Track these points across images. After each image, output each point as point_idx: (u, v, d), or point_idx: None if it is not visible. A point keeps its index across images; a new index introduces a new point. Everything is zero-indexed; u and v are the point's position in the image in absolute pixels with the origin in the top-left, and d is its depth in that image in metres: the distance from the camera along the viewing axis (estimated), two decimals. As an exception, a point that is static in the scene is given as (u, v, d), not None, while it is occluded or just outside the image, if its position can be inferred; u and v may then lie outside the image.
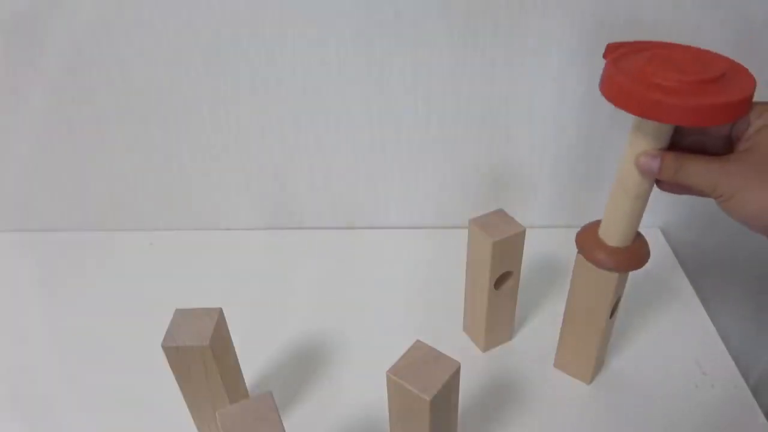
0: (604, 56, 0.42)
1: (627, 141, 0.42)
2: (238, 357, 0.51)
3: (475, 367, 0.58)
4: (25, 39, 0.62)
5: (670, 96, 0.36)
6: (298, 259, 0.75)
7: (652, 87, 0.37)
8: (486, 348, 0.60)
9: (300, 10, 0.61)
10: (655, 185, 0.44)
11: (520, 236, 0.53)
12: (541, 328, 0.62)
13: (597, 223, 0.49)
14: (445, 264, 0.69)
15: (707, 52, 0.40)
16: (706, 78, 0.36)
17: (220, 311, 0.47)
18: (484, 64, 0.64)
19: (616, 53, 0.41)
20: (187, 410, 0.49)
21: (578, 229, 0.51)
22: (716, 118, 0.36)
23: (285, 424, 0.38)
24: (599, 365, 0.57)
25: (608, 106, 0.39)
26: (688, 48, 0.41)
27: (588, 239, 0.49)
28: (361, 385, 0.56)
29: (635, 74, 0.38)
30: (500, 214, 0.55)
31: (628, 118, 0.42)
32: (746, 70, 0.38)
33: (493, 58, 0.63)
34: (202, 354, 0.44)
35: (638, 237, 0.48)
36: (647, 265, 0.48)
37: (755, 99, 0.38)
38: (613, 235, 0.47)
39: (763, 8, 0.59)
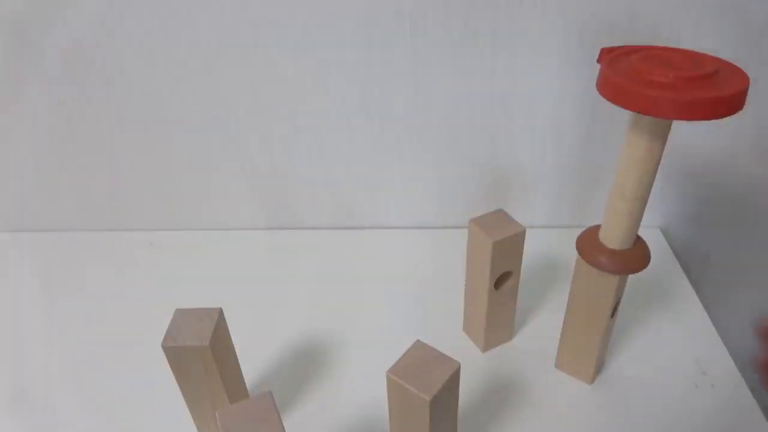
0: (599, 60, 0.42)
1: (626, 140, 0.42)
2: (238, 357, 0.51)
3: (475, 367, 0.58)
4: (25, 39, 0.62)
5: (666, 91, 0.36)
6: (298, 259, 0.75)
7: (648, 83, 0.37)
8: (486, 348, 0.60)
9: (299, 11, 0.61)
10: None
11: (520, 236, 0.53)
12: (541, 328, 0.62)
13: (597, 227, 0.49)
14: (445, 264, 0.69)
15: (698, 53, 0.40)
16: (701, 74, 0.37)
17: (220, 311, 0.47)
18: (484, 63, 0.64)
19: (611, 55, 0.41)
20: (187, 410, 0.49)
21: (578, 229, 0.51)
22: (713, 112, 0.36)
23: (285, 424, 0.38)
24: (599, 365, 0.57)
25: (608, 106, 0.39)
26: (679, 49, 0.41)
27: (588, 243, 0.49)
28: (361, 385, 0.56)
29: (631, 72, 0.38)
30: (500, 214, 0.55)
31: (627, 118, 0.42)
32: (739, 68, 0.39)
33: (493, 58, 0.63)
34: (202, 354, 0.44)
35: (638, 240, 0.48)
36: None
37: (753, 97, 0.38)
38: (613, 238, 0.47)
39: (763, 8, 0.59)
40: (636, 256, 0.47)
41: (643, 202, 0.44)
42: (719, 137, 0.68)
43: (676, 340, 0.61)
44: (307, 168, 0.73)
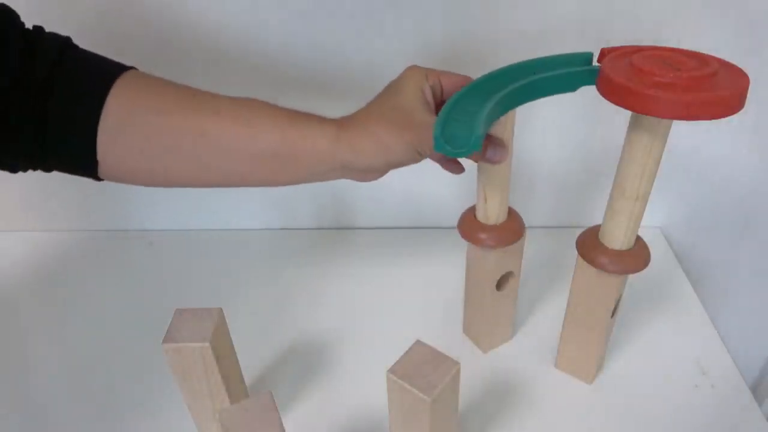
0: (599, 60, 0.42)
1: (626, 140, 0.43)
2: (238, 357, 0.51)
3: (475, 367, 0.58)
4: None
5: (666, 91, 0.36)
6: (298, 259, 0.75)
7: (648, 83, 0.37)
8: (486, 348, 0.60)
9: (301, 12, 0.61)
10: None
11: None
12: (542, 329, 0.62)
13: (597, 227, 0.49)
14: (445, 264, 0.69)
15: (698, 53, 0.40)
16: (702, 74, 0.37)
17: (220, 311, 0.47)
18: (484, 64, 0.64)
19: (611, 56, 0.41)
20: (187, 410, 0.49)
21: (578, 229, 0.51)
22: (713, 112, 0.36)
23: (285, 424, 0.38)
24: (599, 365, 0.57)
25: (608, 106, 0.39)
26: (679, 49, 0.41)
27: (588, 243, 0.49)
28: (361, 385, 0.56)
29: (632, 72, 0.38)
30: (500, 214, 0.55)
31: (627, 118, 0.42)
32: (739, 68, 0.39)
33: (493, 57, 0.63)
34: (202, 354, 0.44)
35: (638, 240, 0.48)
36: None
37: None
38: (613, 239, 0.47)
39: (764, 8, 0.59)
40: (636, 256, 0.47)
41: (643, 202, 0.44)
42: (719, 137, 0.68)
43: (676, 340, 0.61)
44: (307, 168, 0.73)
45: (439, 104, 0.46)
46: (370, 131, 0.43)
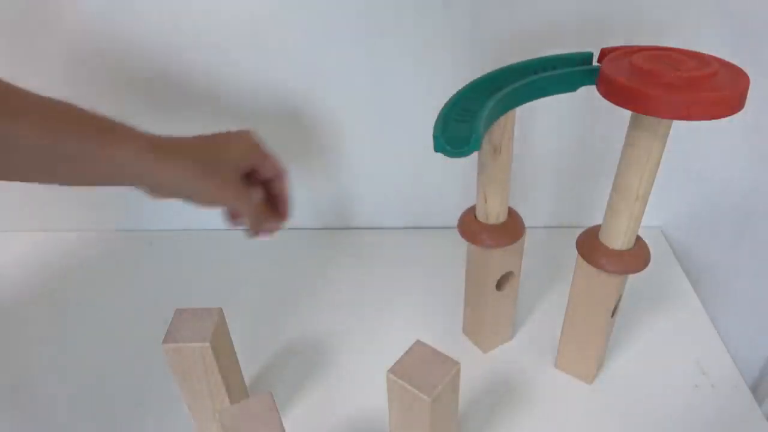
0: (599, 60, 0.42)
1: (626, 140, 0.43)
2: (238, 357, 0.51)
3: (475, 367, 0.58)
4: (25, 39, 0.62)
5: (666, 91, 0.36)
6: (298, 259, 0.75)
7: (649, 84, 0.37)
8: (486, 348, 0.60)
9: (303, 13, 0.61)
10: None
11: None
12: (542, 328, 0.62)
13: (597, 227, 0.49)
14: (445, 264, 0.69)
15: (698, 53, 0.40)
16: (702, 74, 0.37)
17: (220, 311, 0.47)
18: (483, 64, 0.64)
19: (611, 56, 0.41)
20: (187, 410, 0.49)
21: (578, 229, 0.51)
22: (713, 112, 0.36)
23: (285, 424, 0.38)
24: (599, 365, 0.57)
25: (608, 106, 0.39)
26: (680, 50, 0.41)
27: (589, 243, 0.49)
28: (361, 385, 0.56)
29: (632, 72, 0.38)
30: (500, 214, 0.55)
31: (627, 117, 0.42)
32: (739, 68, 0.39)
33: (493, 56, 0.63)
34: (202, 354, 0.44)
35: (638, 240, 0.48)
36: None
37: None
38: (613, 239, 0.47)
39: (764, 8, 0.59)
40: (636, 256, 0.47)
41: (643, 202, 0.44)
42: (719, 137, 0.68)
43: (676, 340, 0.61)
44: (307, 168, 0.73)
45: (249, 175, 0.50)
46: (179, 162, 0.45)
